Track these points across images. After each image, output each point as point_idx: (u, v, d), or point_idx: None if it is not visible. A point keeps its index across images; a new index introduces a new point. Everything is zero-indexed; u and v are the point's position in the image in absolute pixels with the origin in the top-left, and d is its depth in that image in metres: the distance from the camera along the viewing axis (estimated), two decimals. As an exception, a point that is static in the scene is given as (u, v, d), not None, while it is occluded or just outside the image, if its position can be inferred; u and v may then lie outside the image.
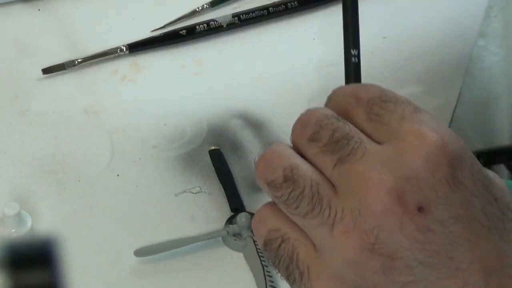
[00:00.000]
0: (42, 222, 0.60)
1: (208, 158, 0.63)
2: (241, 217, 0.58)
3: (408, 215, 0.40)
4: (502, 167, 0.81)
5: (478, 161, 0.42)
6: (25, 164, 0.63)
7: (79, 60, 0.68)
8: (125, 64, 0.69)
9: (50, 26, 0.72)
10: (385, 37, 0.70)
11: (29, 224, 0.59)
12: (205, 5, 0.72)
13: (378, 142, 0.41)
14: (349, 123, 0.42)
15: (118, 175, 0.63)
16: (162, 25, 0.70)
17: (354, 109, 0.42)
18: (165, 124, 0.65)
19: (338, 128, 0.41)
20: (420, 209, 0.40)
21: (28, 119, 0.66)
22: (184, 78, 0.67)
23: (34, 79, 0.68)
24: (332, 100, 0.44)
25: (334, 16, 0.72)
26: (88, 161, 0.64)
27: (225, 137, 0.64)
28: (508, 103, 0.86)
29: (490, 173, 0.42)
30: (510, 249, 0.42)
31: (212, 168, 0.62)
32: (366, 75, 0.68)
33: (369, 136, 0.42)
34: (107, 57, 0.69)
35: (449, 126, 0.65)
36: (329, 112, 0.43)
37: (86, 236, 0.59)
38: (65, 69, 0.68)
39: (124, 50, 0.69)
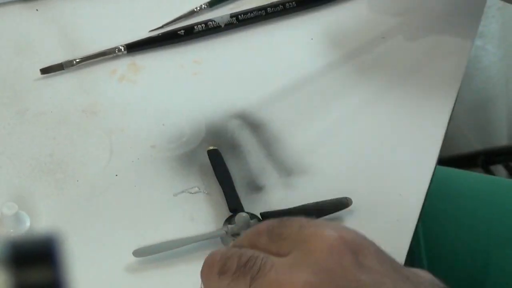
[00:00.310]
0: (40, 222, 0.59)
1: (206, 158, 0.62)
2: (240, 217, 0.58)
3: None
4: (500, 167, 0.82)
5: (381, 248, 0.43)
6: (23, 164, 0.63)
7: (77, 60, 0.68)
8: (124, 64, 0.69)
9: (48, 27, 0.71)
10: (383, 37, 0.70)
11: (28, 224, 0.59)
12: (203, 5, 0.71)
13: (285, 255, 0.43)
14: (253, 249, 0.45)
15: (116, 175, 0.62)
16: (160, 25, 0.70)
17: (258, 240, 0.45)
18: (163, 124, 0.64)
19: (243, 253, 0.44)
20: None
21: (27, 119, 0.66)
22: (183, 78, 0.67)
23: (33, 79, 0.68)
24: (237, 243, 0.46)
25: (332, 16, 0.72)
26: (86, 161, 0.63)
27: (223, 137, 0.64)
28: (506, 103, 0.86)
29: (413, 269, 0.44)
30: None
31: (211, 168, 0.62)
32: (365, 76, 0.68)
33: (276, 255, 0.44)
34: (105, 57, 0.68)
35: (448, 126, 0.64)
36: (231, 248, 0.46)
37: (85, 236, 0.59)
38: (63, 69, 0.67)
39: (123, 50, 0.69)
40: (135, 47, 0.69)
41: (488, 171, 0.65)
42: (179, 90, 0.66)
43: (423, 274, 0.45)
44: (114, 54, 0.69)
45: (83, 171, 0.63)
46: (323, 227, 0.44)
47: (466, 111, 0.76)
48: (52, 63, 0.68)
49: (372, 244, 0.44)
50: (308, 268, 0.42)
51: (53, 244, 0.25)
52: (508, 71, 0.89)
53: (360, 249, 0.43)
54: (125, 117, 0.66)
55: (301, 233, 0.44)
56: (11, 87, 0.68)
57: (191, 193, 0.61)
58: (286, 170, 0.62)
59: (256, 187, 0.62)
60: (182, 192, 0.61)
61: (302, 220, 0.45)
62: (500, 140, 0.88)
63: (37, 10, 0.72)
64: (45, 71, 0.67)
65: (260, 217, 0.58)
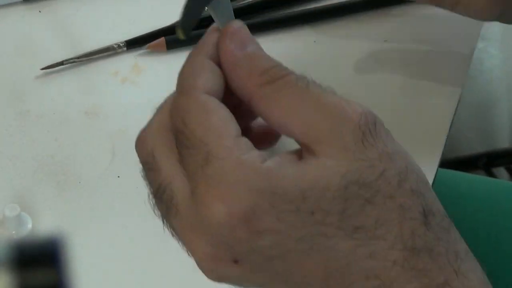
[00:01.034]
0: (42, 224, 0.60)
1: None
2: None
3: (227, 267, 0.46)
4: (502, 170, 0.82)
5: (280, 198, 0.45)
6: (25, 165, 0.64)
7: (78, 56, 0.68)
8: (126, 66, 0.70)
9: (51, 28, 0.72)
10: (386, 40, 0.70)
11: (30, 225, 0.59)
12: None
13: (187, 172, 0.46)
14: (163, 162, 0.47)
15: (118, 177, 0.63)
16: (162, 26, 0.71)
17: (173, 130, 0.47)
18: None
19: (150, 177, 0.48)
20: (235, 261, 0.46)
21: (29, 120, 0.66)
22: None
23: (35, 80, 0.69)
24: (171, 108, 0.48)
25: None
26: (88, 162, 0.64)
27: None
28: (508, 105, 0.87)
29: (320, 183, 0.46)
30: (330, 261, 0.46)
31: None
32: (368, 79, 0.68)
33: (180, 162, 0.47)
34: (106, 54, 0.69)
35: (450, 129, 0.65)
36: (153, 147, 0.48)
37: (87, 238, 0.59)
38: (64, 65, 0.68)
39: (122, 46, 0.69)
40: (135, 44, 0.70)
41: (490, 174, 0.66)
42: (181, 91, 0.67)
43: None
44: (114, 51, 0.69)
45: (85, 173, 0.63)
46: (212, 189, 0.45)
47: (468, 113, 0.76)
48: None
49: (267, 198, 0.45)
50: (206, 236, 0.45)
51: (56, 246, 0.25)
52: (510, 74, 0.89)
53: (250, 217, 0.45)
54: (127, 118, 0.66)
55: (202, 178, 0.45)
56: (13, 88, 0.68)
57: None
58: None
59: None
60: None
61: (207, 148, 0.46)
62: (502, 143, 0.88)
63: (40, 11, 0.73)
64: (45, 68, 0.68)
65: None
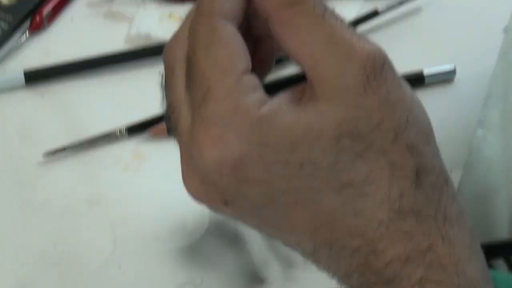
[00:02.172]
0: (44, 317, 0.61)
1: (210, 248, 0.64)
2: None
3: (218, 205, 0.47)
4: (500, 262, 0.82)
5: (269, 148, 0.45)
6: (27, 255, 0.64)
7: (79, 142, 0.69)
8: (128, 153, 0.70)
9: (52, 112, 0.73)
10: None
11: (32, 318, 0.60)
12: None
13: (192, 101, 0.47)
14: (178, 82, 0.48)
15: (120, 267, 0.64)
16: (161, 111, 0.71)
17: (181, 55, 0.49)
18: (167, 215, 0.66)
19: (167, 92, 0.48)
20: (226, 203, 0.47)
21: (31, 208, 0.67)
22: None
23: (37, 166, 0.69)
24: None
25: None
26: (90, 252, 0.64)
27: (227, 228, 0.65)
28: (507, 195, 0.87)
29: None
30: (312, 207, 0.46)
31: (214, 260, 0.63)
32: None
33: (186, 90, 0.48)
34: (106, 140, 0.70)
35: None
36: (173, 64, 0.49)
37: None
38: (65, 151, 0.68)
39: (123, 132, 0.70)
40: (136, 130, 0.70)
41: (489, 265, 0.65)
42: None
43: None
44: (116, 137, 0.70)
45: (87, 263, 0.64)
46: (209, 131, 0.46)
47: (467, 202, 0.76)
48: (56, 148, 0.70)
49: (255, 148, 0.46)
50: (198, 174, 0.47)
51: None
52: (509, 163, 0.89)
53: (239, 168, 0.46)
54: (128, 207, 0.67)
55: (198, 115, 0.47)
56: (16, 174, 0.69)
57: (194, 285, 0.63)
58: (288, 262, 0.64)
59: (258, 279, 0.64)
60: (186, 284, 0.63)
61: (208, 83, 0.46)
62: (501, 233, 0.88)
63: (42, 96, 0.74)
64: (48, 154, 0.69)
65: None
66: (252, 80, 0.47)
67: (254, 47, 0.51)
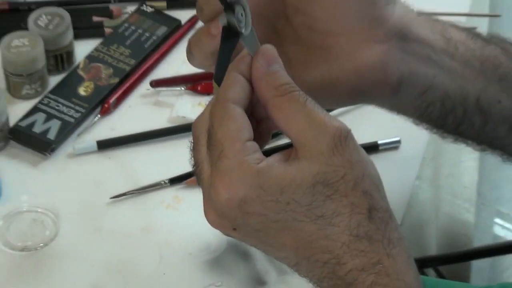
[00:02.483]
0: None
1: (229, 261, 0.72)
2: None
3: (229, 231, 0.53)
4: (430, 271, 0.92)
5: (265, 192, 0.50)
6: (98, 266, 0.74)
7: (136, 189, 0.78)
8: (170, 197, 0.79)
9: (116, 169, 0.81)
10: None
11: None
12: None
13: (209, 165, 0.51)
14: (202, 146, 0.52)
15: (164, 274, 0.73)
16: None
17: (203, 129, 0.53)
18: (197, 238, 0.76)
19: (194, 154, 0.53)
20: (234, 229, 0.52)
21: (102, 233, 0.76)
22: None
23: (105, 206, 0.78)
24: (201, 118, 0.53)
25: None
26: (143, 263, 0.74)
27: (239, 247, 0.74)
28: (435, 226, 0.97)
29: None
30: (300, 231, 0.50)
31: (233, 268, 0.72)
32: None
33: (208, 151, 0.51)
34: (155, 188, 0.78)
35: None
36: (199, 134, 0.52)
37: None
38: (126, 195, 0.77)
39: (167, 182, 0.79)
40: (176, 181, 0.79)
41: (422, 273, 0.71)
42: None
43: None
44: (161, 186, 0.79)
45: (141, 270, 0.74)
46: (222, 178, 0.50)
47: (407, 231, 0.83)
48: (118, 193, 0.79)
49: (254, 191, 0.50)
50: (215, 209, 0.51)
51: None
52: (437, 204, 1.00)
53: (243, 203, 0.50)
54: (170, 233, 0.76)
55: (212, 173, 0.50)
56: (90, 211, 0.78)
57: (216, 286, 0.73)
58: (282, 270, 0.73)
59: (261, 282, 0.73)
60: (210, 285, 0.73)
61: (222, 147, 0.50)
62: (431, 251, 0.97)
63: (109, 158, 0.83)
64: (113, 198, 0.79)
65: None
66: (253, 145, 0.51)
67: (256, 125, 0.54)
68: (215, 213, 0.51)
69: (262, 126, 0.54)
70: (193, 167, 0.53)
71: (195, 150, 0.53)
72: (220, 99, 0.51)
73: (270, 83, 0.51)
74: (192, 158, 0.54)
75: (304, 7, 0.58)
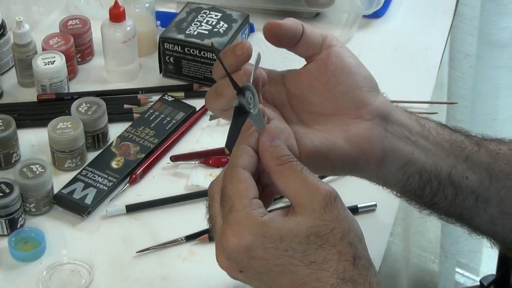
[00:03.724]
0: None
1: None
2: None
3: (236, 273, 0.53)
4: None
5: (267, 240, 0.51)
6: None
7: (157, 245, 0.78)
8: (186, 251, 0.79)
9: (142, 228, 0.81)
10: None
11: None
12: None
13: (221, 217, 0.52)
14: (216, 203, 0.53)
15: None
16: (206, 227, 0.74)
17: (217, 188, 0.55)
18: (208, 286, 0.75)
19: (209, 209, 0.54)
20: (240, 271, 0.53)
21: (128, 281, 0.76)
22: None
23: (132, 258, 0.77)
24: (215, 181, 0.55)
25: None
26: None
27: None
28: (406, 274, 0.98)
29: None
30: (296, 276, 0.51)
31: None
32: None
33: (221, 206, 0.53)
34: (173, 244, 0.78)
35: None
36: (214, 193, 0.54)
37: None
38: (149, 250, 0.77)
39: (183, 239, 0.78)
40: (191, 238, 0.79)
41: None
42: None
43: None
44: (178, 242, 0.78)
45: None
46: (231, 228, 0.51)
47: (384, 277, 0.80)
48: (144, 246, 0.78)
49: (259, 239, 0.51)
50: (225, 254, 0.52)
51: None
52: (408, 256, 1.01)
53: (250, 249, 0.51)
54: (186, 282, 0.75)
55: (223, 223, 0.51)
56: (118, 263, 0.76)
57: None
58: None
59: None
60: None
61: (227, 207, 0.52)
62: None
63: (136, 219, 0.82)
64: (138, 252, 0.77)
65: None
66: (258, 202, 0.53)
67: (262, 190, 0.56)
68: (225, 257, 0.52)
69: (266, 191, 0.56)
70: (208, 221, 0.54)
71: (210, 206, 0.54)
72: (231, 165, 0.53)
73: (273, 154, 0.53)
74: (208, 213, 0.55)
75: (303, 94, 0.60)
